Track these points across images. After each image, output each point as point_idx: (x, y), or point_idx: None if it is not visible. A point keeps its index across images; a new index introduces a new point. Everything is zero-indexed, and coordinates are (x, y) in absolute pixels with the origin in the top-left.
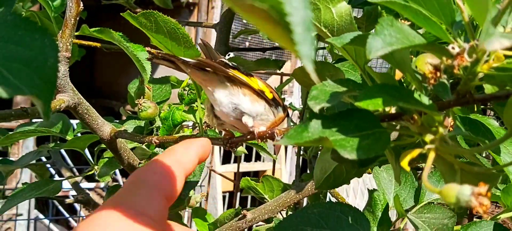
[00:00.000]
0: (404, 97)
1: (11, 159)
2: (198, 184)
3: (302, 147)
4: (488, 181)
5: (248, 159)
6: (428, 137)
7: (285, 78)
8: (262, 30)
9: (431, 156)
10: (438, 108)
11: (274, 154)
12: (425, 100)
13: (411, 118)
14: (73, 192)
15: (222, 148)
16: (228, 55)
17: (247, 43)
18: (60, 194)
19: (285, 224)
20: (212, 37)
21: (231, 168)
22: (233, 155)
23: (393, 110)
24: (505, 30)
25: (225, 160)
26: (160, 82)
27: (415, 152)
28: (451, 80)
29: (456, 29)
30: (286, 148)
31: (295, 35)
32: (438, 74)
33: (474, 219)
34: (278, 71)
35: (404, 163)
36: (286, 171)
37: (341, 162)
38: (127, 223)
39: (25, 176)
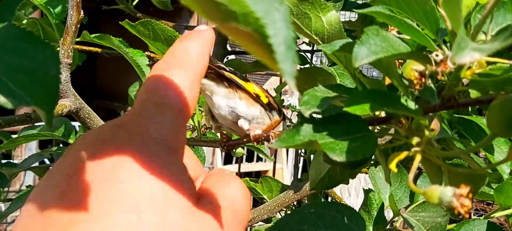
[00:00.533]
0: (390, 103)
1: (14, 161)
2: None
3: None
4: (474, 182)
5: (249, 159)
6: (415, 140)
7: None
8: (247, 49)
9: (417, 158)
10: (424, 112)
11: (270, 155)
12: (411, 105)
13: (399, 121)
14: None
15: None
16: (226, 58)
17: None
18: None
19: (283, 223)
20: None
21: (233, 168)
22: (234, 156)
23: (383, 114)
24: (486, 37)
25: (227, 160)
26: None
27: (402, 155)
28: (442, 82)
29: (442, 37)
30: (287, 148)
31: (277, 55)
32: (423, 80)
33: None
34: (278, 73)
35: (392, 165)
36: (287, 171)
37: (332, 164)
38: (135, 151)
39: (29, 178)
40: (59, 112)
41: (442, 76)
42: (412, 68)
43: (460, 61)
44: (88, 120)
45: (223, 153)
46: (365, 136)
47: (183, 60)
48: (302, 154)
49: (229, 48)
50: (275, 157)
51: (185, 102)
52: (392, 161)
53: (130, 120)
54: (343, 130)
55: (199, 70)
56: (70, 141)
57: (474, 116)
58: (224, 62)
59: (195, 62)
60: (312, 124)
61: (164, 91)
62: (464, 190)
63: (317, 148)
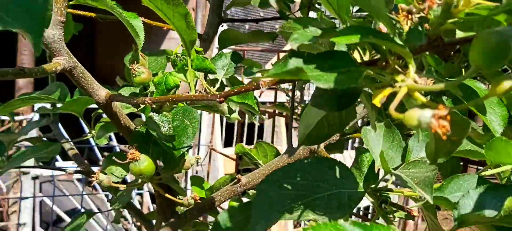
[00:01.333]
0: (378, 35)
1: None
2: (200, 164)
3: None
4: (460, 127)
5: (249, 142)
6: (400, 77)
7: (282, 55)
8: None
9: (402, 91)
10: (412, 53)
11: (268, 118)
12: (397, 40)
13: (385, 61)
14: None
15: (223, 131)
16: (221, 26)
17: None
18: (64, 177)
19: (273, 177)
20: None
21: (232, 150)
22: (234, 138)
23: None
24: None
25: (227, 143)
26: (156, 54)
27: (387, 91)
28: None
29: None
30: (287, 134)
31: None
32: (410, 16)
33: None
34: (274, 49)
35: (376, 101)
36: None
37: (321, 107)
38: None
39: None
40: (53, 69)
41: (429, 14)
42: (400, 6)
43: None
44: (82, 79)
45: (223, 137)
46: (351, 69)
47: None
48: None
49: (224, 16)
50: (272, 138)
51: None
52: (376, 97)
53: None
54: (330, 65)
55: None
56: None
57: (469, 79)
58: (218, 31)
59: None
60: (300, 57)
61: None
62: (443, 111)
63: (303, 77)
